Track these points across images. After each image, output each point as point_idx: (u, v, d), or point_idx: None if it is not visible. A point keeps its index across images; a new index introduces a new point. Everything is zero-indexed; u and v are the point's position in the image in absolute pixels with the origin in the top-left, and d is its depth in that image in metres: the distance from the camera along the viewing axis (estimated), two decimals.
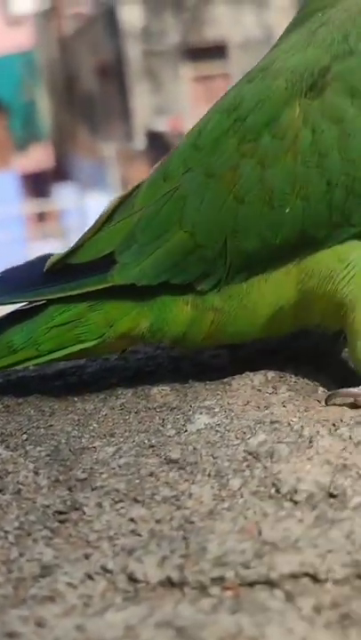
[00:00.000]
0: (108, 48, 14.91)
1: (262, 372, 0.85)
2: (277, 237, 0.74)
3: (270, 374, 0.84)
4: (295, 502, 0.60)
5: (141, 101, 14.00)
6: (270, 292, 0.77)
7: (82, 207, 13.34)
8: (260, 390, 0.82)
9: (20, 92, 16.52)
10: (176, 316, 0.80)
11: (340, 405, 0.75)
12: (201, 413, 0.78)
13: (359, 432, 0.69)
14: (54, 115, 17.34)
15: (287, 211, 0.73)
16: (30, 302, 0.85)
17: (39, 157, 16.44)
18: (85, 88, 16.09)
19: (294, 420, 0.73)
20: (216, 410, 0.79)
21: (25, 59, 16.86)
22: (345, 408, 0.74)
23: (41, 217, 15.05)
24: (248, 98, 0.76)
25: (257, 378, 0.84)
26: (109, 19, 14.59)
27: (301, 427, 0.71)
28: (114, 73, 14.71)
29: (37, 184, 15.25)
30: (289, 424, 0.73)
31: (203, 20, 13.90)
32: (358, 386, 0.75)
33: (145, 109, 13.96)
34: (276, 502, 0.60)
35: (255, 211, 0.74)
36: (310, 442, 0.68)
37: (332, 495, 0.60)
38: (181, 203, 0.78)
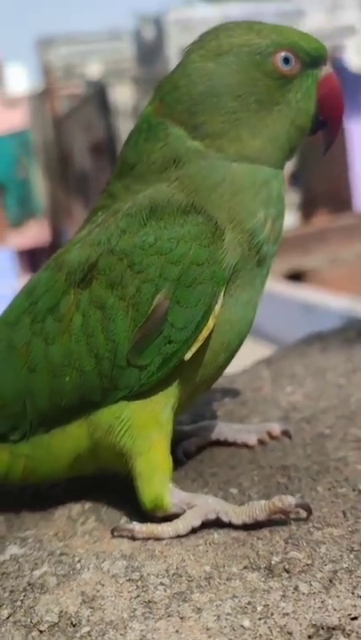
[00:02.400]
0: (100, 126, 15.47)
1: (82, 502, 1.00)
2: (63, 400, 0.91)
3: (88, 504, 0.99)
4: (40, 631, 0.74)
5: None
6: (69, 442, 0.92)
7: None
8: (74, 520, 0.97)
9: (15, 171, 17.12)
10: None
11: (122, 537, 0.90)
12: (15, 544, 0.92)
13: (119, 565, 0.83)
14: (49, 191, 17.89)
15: (67, 379, 0.90)
16: None
17: (35, 234, 16.89)
18: (79, 165, 16.64)
19: (80, 551, 0.88)
20: (29, 540, 0.93)
21: (20, 138, 17.52)
22: (124, 540, 0.89)
23: None
24: (40, 284, 0.93)
25: (75, 508, 0.99)
26: (101, 98, 15.20)
27: (80, 559, 0.86)
28: (106, 150, 15.22)
29: (33, 260, 15.59)
30: (74, 556, 0.87)
31: None
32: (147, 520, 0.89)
33: None
34: (28, 631, 0.75)
35: (43, 379, 0.91)
36: (79, 574, 0.83)
37: (72, 624, 0.75)
38: None
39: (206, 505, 0.88)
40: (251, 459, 1.07)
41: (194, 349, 0.87)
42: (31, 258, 16.73)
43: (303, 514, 0.87)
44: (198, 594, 0.76)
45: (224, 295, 0.89)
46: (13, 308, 0.96)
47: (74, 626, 0.74)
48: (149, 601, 0.76)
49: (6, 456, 0.95)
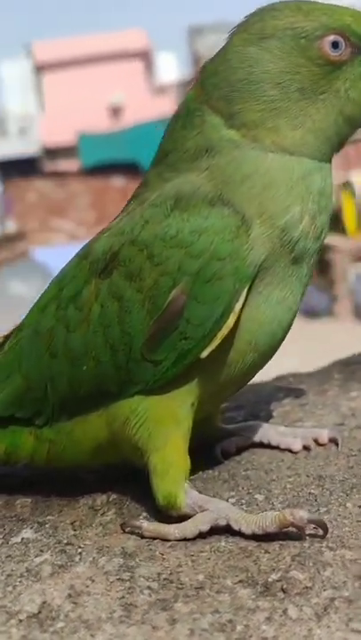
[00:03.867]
0: None
1: (109, 492, 0.98)
2: (81, 389, 0.89)
3: (114, 495, 0.97)
4: (20, 620, 0.73)
5: None
6: (90, 431, 0.91)
7: None
8: (95, 510, 0.95)
9: None
10: (23, 444, 0.96)
11: (131, 533, 0.87)
12: (32, 528, 0.92)
13: (115, 562, 0.80)
14: None
15: (85, 368, 0.88)
16: None
17: None
18: None
19: (87, 543, 0.86)
20: (46, 526, 0.92)
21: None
22: (132, 537, 0.86)
23: None
24: (68, 273, 0.92)
25: (101, 498, 0.98)
26: None
27: (82, 551, 0.84)
28: None
29: None
30: (79, 547, 0.85)
31: None
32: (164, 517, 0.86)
33: None
34: (8, 618, 0.73)
35: (63, 366, 0.90)
36: (75, 566, 0.81)
37: (52, 618, 0.73)
38: (20, 352, 0.95)
39: (218, 510, 0.84)
40: (290, 465, 1.01)
41: (211, 348, 0.83)
42: None
43: (320, 531, 0.81)
44: (182, 604, 0.72)
45: (250, 293, 0.84)
46: (45, 293, 0.95)
47: (52, 619, 0.72)
48: (131, 604, 0.73)
49: (32, 440, 0.95)
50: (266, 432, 1.06)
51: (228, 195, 0.83)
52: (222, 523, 0.83)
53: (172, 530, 0.84)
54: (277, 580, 0.74)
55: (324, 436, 1.04)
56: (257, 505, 0.91)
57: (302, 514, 0.80)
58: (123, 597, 0.74)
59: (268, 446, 1.06)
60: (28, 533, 0.91)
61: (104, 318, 0.86)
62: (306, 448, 1.04)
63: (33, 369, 0.93)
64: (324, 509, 0.87)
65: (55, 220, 16.70)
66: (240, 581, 0.75)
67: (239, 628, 0.68)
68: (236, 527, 0.83)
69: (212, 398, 0.90)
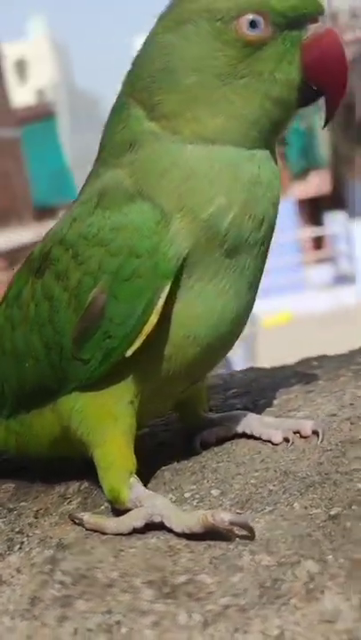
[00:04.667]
0: None
1: (84, 480, 1.00)
2: (27, 385, 0.91)
3: (85, 484, 0.99)
4: None
5: None
6: (46, 424, 0.92)
7: (350, 234, 13.27)
8: (63, 499, 0.98)
9: (298, 121, 16.93)
10: None
11: (75, 525, 0.88)
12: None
13: (45, 554, 0.82)
14: (331, 141, 17.45)
15: (27, 365, 0.90)
16: None
17: (316, 184, 16.69)
18: None
19: (36, 532, 0.88)
20: (14, 512, 0.96)
21: None
22: (77, 528, 0.87)
23: (316, 243, 15.23)
24: (15, 274, 0.94)
25: (74, 486, 1.00)
26: None
27: (27, 541, 0.87)
28: None
29: (314, 210, 15.48)
30: (27, 536, 0.88)
31: None
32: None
33: None
34: None
35: (10, 363, 0.92)
36: (9, 555, 0.84)
37: None
38: None
39: (153, 507, 0.83)
40: (264, 458, 0.98)
41: (135, 346, 0.81)
42: (312, 208, 16.61)
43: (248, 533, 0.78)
44: (82, 601, 0.73)
45: (180, 288, 0.82)
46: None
47: None
48: (37, 598, 0.74)
49: (2, 430, 0.99)
50: (250, 422, 1.03)
51: (148, 189, 0.81)
52: (157, 519, 0.83)
53: (111, 524, 0.85)
54: (185, 583, 0.73)
55: (307, 428, 1.00)
56: (209, 501, 0.89)
57: (223, 515, 0.78)
58: (35, 590, 0.76)
59: (252, 437, 1.04)
60: None
61: (39, 317, 0.87)
62: (286, 440, 1.00)
63: None
64: (270, 509, 0.84)
65: None
66: (149, 582, 0.74)
67: (123, 630, 0.68)
68: (167, 525, 0.82)
69: (158, 393, 0.89)
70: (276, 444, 1.00)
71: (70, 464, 1.00)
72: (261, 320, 9.30)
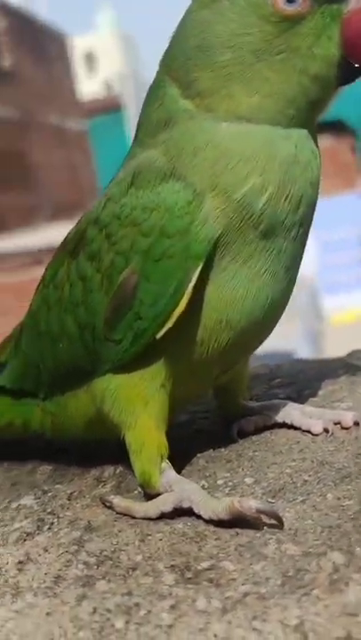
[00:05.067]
0: None
1: (119, 465, 1.00)
2: (62, 365, 0.91)
3: (120, 468, 0.99)
4: None
5: None
6: (81, 406, 0.92)
7: None
8: (97, 482, 0.98)
9: None
10: (34, 415, 1.01)
11: (106, 507, 0.88)
12: (34, 495, 0.97)
13: (73, 535, 0.82)
14: None
15: (61, 346, 0.90)
16: None
17: None
18: None
19: (67, 514, 0.89)
20: (48, 494, 0.96)
21: None
22: (107, 511, 0.87)
23: None
24: (54, 255, 0.94)
25: (109, 470, 1.00)
26: None
27: (57, 522, 0.87)
28: None
29: None
30: (58, 517, 0.88)
31: None
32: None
33: None
34: None
35: (46, 343, 0.92)
36: (39, 535, 0.84)
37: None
38: (22, 328, 0.99)
39: (182, 492, 0.82)
40: (302, 448, 0.96)
41: (166, 328, 0.80)
42: None
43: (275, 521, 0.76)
44: (104, 582, 0.72)
45: (212, 270, 0.80)
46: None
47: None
48: (61, 577, 0.75)
49: (39, 412, 1.00)
50: (290, 412, 1.01)
51: (181, 168, 0.79)
52: (186, 505, 0.82)
53: (139, 507, 0.84)
54: (207, 569, 0.72)
55: (348, 419, 0.97)
56: (241, 489, 0.87)
57: (251, 503, 0.76)
58: (60, 570, 0.76)
59: (292, 427, 1.01)
60: (27, 500, 0.96)
61: (73, 298, 0.87)
62: (326, 431, 0.98)
63: (28, 345, 0.97)
64: (302, 498, 0.82)
65: None
66: (172, 566, 0.73)
67: (142, 612, 0.67)
68: (196, 510, 0.81)
69: (191, 378, 0.88)
70: (316, 435, 0.98)
71: (107, 447, 1.00)
72: (330, 318, 9.16)
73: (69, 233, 0.91)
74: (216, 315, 0.82)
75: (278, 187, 0.79)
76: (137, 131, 0.87)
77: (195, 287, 0.79)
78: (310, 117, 0.82)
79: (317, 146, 0.84)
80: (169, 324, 0.80)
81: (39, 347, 0.94)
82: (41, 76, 14.85)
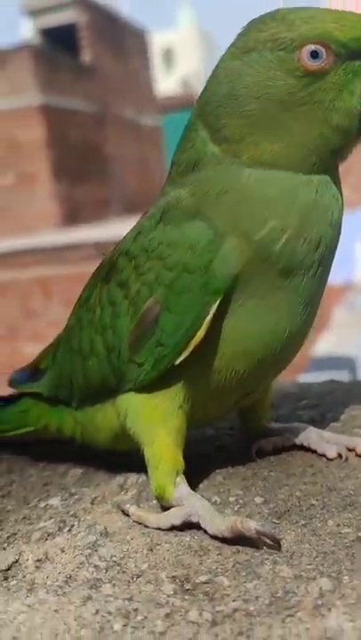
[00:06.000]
0: None
1: (143, 473, 1.06)
2: (91, 381, 0.98)
3: (143, 477, 1.06)
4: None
5: None
6: (107, 419, 0.99)
7: None
8: (120, 489, 1.04)
9: None
10: (67, 422, 1.08)
11: (123, 514, 0.95)
12: (62, 496, 1.04)
13: (89, 539, 0.89)
14: None
15: (91, 363, 0.97)
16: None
17: None
18: None
19: (87, 518, 0.95)
20: (75, 497, 1.04)
21: None
22: (124, 518, 0.94)
23: None
24: (90, 279, 1.01)
25: (133, 477, 1.07)
26: None
27: (77, 524, 0.94)
28: None
29: None
30: (79, 520, 0.95)
31: None
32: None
33: None
34: None
35: (78, 359, 0.99)
36: (59, 536, 0.91)
37: (8, 577, 0.84)
38: (60, 341, 1.06)
39: (192, 507, 0.88)
40: (315, 472, 1.00)
41: (184, 355, 0.86)
42: None
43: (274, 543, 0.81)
44: (109, 585, 0.79)
45: (231, 304, 0.86)
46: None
47: (12, 577, 0.84)
48: (72, 577, 0.81)
49: (71, 420, 1.07)
50: (308, 435, 1.06)
51: (206, 209, 0.85)
52: (194, 520, 0.87)
53: (152, 518, 0.90)
54: (205, 582, 0.77)
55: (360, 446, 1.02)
56: (250, 508, 0.93)
57: (251, 524, 0.81)
58: (72, 570, 0.83)
59: (310, 450, 1.06)
60: (55, 500, 1.03)
61: (102, 321, 0.94)
62: (340, 456, 1.02)
63: (62, 358, 1.04)
64: (304, 522, 0.87)
65: None
66: (173, 577, 0.79)
67: (139, 617, 0.73)
68: (202, 526, 0.86)
69: (210, 401, 0.94)
70: (331, 460, 1.02)
71: (133, 456, 1.07)
72: None
73: (104, 260, 0.98)
74: (234, 345, 0.88)
75: (297, 229, 0.83)
76: (170, 168, 0.93)
77: (214, 319, 0.85)
78: (332, 164, 0.86)
79: (340, 190, 0.88)
80: (186, 353, 0.86)
81: (71, 361, 1.01)
82: (119, 71, 15.05)
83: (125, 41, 15.35)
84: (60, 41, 13.72)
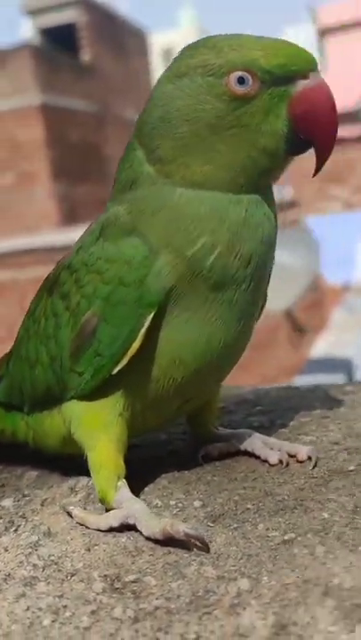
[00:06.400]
0: None
1: (90, 477, 1.11)
2: (37, 389, 1.02)
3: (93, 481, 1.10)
4: None
5: None
6: (55, 424, 1.03)
7: None
8: (71, 491, 1.09)
9: None
10: (20, 427, 1.13)
11: (67, 515, 0.99)
12: (15, 498, 1.09)
13: (31, 539, 0.93)
14: None
15: (37, 372, 1.01)
16: None
17: None
18: None
19: (35, 519, 1.00)
20: (27, 498, 1.08)
21: None
22: (68, 519, 0.98)
23: None
24: (38, 291, 1.05)
25: (84, 480, 1.11)
26: None
27: (24, 525, 0.98)
28: None
29: None
30: (26, 521, 0.99)
31: None
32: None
33: None
34: None
35: (25, 368, 1.04)
36: (3, 535, 0.96)
37: None
38: (11, 353, 1.11)
39: (129, 510, 0.92)
40: (257, 477, 1.05)
41: (120, 365, 0.91)
42: None
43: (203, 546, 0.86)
44: (44, 584, 0.83)
45: (166, 316, 0.90)
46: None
47: None
48: (10, 575, 0.86)
49: (24, 425, 1.12)
50: (253, 441, 1.10)
51: (141, 226, 0.89)
52: (131, 521, 0.92)
53: (93, 520, 0.95)
54: (133, 582, 0.82)
55: (302, 453, 1.06)
56: (188, 511, 0.97)
57: (180, 527, 0.85)
58: (12, 569, 0.88)
59: (254, 455, 1.10)
60: (7, 502, 1.08)
61: (46, 331, 0.99)
62: (281, 462, 1.06)
63: (12, 367, 1.09)
64: (236, 526, 0.91)
65: (332, 187, 16.51)
66: (105, 576, 0.84)
67: (67, 614, 0.78)
68: (138, 528, 0.91)
69: (151, 408, 0.98)
70: (273, 465, 1.07)
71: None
72: None
73: (50, 273, 1.03)
74: (169, 355, 0.92)
75: (228, 246, 0.88)
76: (113, 186, 0.98)
77: (149, 330, 0.89)
78: (262, 184, 0.90)
79: (273, 208, 0.93)
80: (123, 363, 0.91)
81: (21, 370, 1.06)
82: (120, 71, 15.10)
83: (125, 41, 15.39)
84: (59, 41, 13.77)
